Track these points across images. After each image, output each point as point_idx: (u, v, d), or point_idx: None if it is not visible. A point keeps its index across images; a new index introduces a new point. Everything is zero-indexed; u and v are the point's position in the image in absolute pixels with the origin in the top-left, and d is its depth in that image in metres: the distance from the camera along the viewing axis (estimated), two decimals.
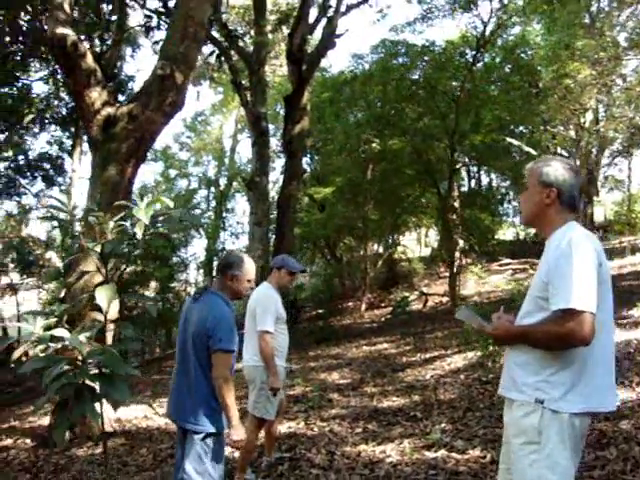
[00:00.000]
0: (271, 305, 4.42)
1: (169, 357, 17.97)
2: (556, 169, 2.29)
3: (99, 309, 2.88)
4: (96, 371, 2.53)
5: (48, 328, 2.65)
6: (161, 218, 2.91)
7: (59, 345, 2.55)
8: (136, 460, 5.65)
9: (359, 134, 15.26)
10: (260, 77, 16.72)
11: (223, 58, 16.45)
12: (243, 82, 17.41)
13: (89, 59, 6.88)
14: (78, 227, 4.45)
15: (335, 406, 6.85)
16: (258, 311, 4.38)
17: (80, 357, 2.36)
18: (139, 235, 2.59)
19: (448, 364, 8.18)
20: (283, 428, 5.85)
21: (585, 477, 3.53)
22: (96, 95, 6.87)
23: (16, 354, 2.61)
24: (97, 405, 2.91)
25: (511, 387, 2.27)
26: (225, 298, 3.23)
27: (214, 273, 26.61)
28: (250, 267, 3.35)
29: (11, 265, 19.47)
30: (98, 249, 2.62)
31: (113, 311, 6.85)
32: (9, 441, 6.93)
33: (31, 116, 15.54)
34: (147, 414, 7.38)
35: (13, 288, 20.61)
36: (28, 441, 6.73)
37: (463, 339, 8.81)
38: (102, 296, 2.53)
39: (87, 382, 2.35)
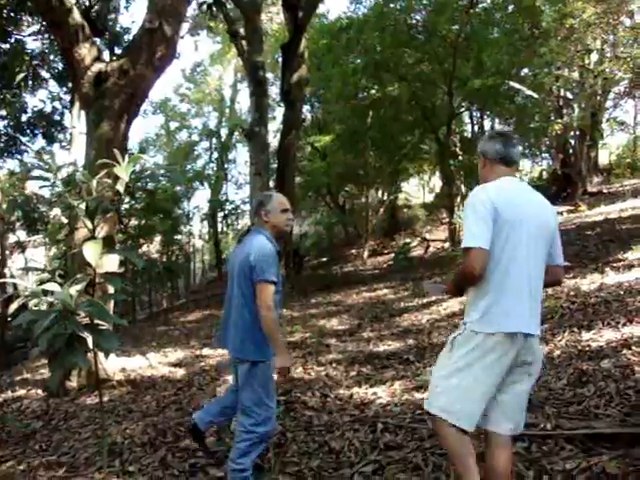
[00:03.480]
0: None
1: (175, 309, 18.34)
2: (482, 141, 2.84)
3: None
4: (87, 322, 2.66)
5: (41, 283, 2.78)
6: (147, 173, 2.99)
7: (52, 299, 2.68)
8: (140, 407, 5.88)
9: (356, 81, 15.11)
10: (256, 25, 16.43)
11: (216, 8, 16.14)
12: (239, 31, 17.15)
13: (76, 14, 6.80)
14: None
15: (332, 351, 7.06)
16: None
17: (68, 309, 2.48)
18: (122, 192, 2.69)
19: (444, 309, 8.35)
20: None
21: (562, 413, 3.69)
22: (85, 51, 6.84)
23: (12, 308, 2.74)
24: (91, 355, 3.05)
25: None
26: (268, 236, 3.38)
27: (218, 223, 26.82)
28: (280, 199, 3.50)
29: (17, 223, 19.61)
30: (83, 206, 2.72)
31: (111, 265, 7.05)
32: (22, 392, 7.20)
33: (22, 74, 15.36)
34: (151, 363, 7.62)
35: (21, 246, 20.83)
36: (40, 391, 6.99)
37: None
38: (89, 251, 2.64)
39: (77, 333, 2.49)
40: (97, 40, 10.08)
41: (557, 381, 4.30)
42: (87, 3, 13.92)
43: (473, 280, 2.54)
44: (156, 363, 7.67)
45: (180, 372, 7.20)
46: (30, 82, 17.17)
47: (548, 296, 7.12)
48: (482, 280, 2.53)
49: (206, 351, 8.30)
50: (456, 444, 2.56)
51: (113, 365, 7.05)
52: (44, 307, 2.82)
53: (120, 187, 2.67)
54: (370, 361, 6.24)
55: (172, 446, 4.48)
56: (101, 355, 6.85)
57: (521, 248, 2.52)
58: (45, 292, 2.68)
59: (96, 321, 2.73)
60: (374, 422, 4.18)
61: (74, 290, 2.67)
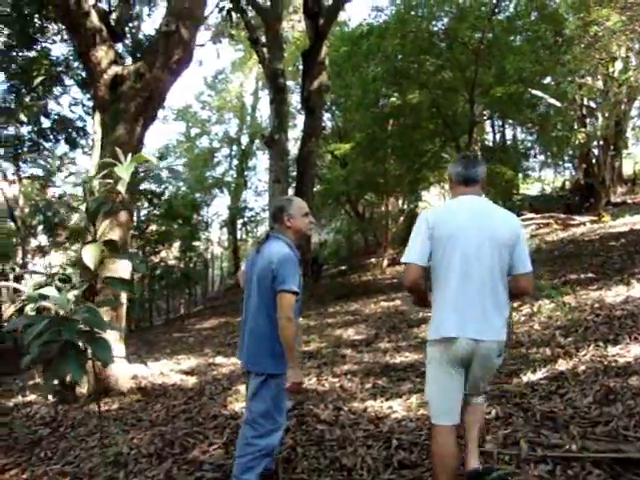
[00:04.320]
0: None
1: (192, 315, 18.26)
2: (450, 166, 3.15)
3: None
4: (85, 329, 2.53)
5: (40, 287, 2.65)
6: (152, 174, 2.86)
7: (48, 304, 2.55)
8: (150, 415, 5.75)
9: (376, 88, 14.96)
10: (276, 33, 16.42)
11: (238, 14, 16.13)
12: (260, 38, 17.14)
13: (94, 17, 6.76)
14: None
15: (348, 362, 6.88)
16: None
17: (64, 315, 2.35)
18: (123, 192, 2.55)
19: None
20: None
21: (589, 434, 3.48)
22: (102, 54, 6.78)
23: (7, 312, 2.62)
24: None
25: None
26: (288, 242, 3.33)
27: (237, 230, 26.76)
28: (300, 203, 3.45)
29: (39, 228, 19.71)
30: (83, 207, 2.59)
31: (123, 271, 6.95)
32: (32, 397, 7.13)
33: (41, 78, 15.40)
34: (163, 371, 7.49)
35: (42, 250, 20.93)
36: (50, 397, 6.89)
37: None
38: (88, 255, 2.51)
39: (72, 341, 2.35)
40: (118, 46, 10.00)
41: (582, 398, 4.07)
42: (106, 8, 13.94)
43: (408, 290, 3.02)
44: (168, 371, 7.54)
45: (192, 380, 7.07)
46: (53, 88, 17.26)
47: (572, 308, 6.89)
48: (434, 293, 2.92)
49: (219, 359, 8.16)
50: (438, 446, 2.86)
51: (124, 372, 6.93)
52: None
53: (121, 188, 2.54)
54: (386, 373, 6.05)
55: (179, 458, 4.34)
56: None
57: (458, 260, 2.78)
58: (44, 297, 2.56)
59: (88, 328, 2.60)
60: (388, 438, 3.99)
61: (72, 295, 2.54)
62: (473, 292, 2.75)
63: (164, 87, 7.10)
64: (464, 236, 2.78)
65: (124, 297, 7.06)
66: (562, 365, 4.95)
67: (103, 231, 6.76)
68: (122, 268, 6.87)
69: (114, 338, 6.84)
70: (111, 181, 2.76)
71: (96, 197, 2.62)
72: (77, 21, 6.70)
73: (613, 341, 5.35)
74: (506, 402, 4.33)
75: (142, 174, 2.48)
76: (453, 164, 3.11)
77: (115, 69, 6.88)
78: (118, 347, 6.90)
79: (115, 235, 6.85)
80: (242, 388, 5.61)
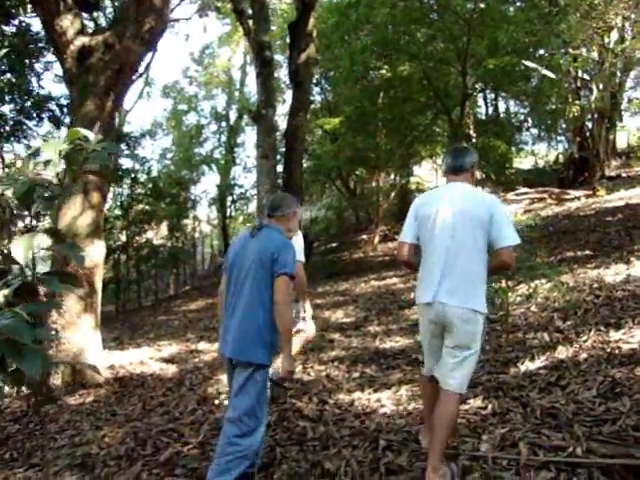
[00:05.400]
0: None
1: (181, 296, 17.90)
2: (444, 157, 3.36)
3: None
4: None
5: None
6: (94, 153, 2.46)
7: None
8: (125, 409, 5.44)
9: (365, 60, 14.40)
10: (262, 4, 15.81)
11: None
12: (246, 10, 16.52)
13: None
14: None
15: (336, 347, 6.57)
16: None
17: None
18: (52, 175, 2.17)
19: None
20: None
21: (594, 434, 3.15)
22: (67, 24, 6.30)
23: None
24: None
25: None
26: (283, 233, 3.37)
27: (226, 208, 26.31)
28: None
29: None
30: (10, 193, 2.20)
31: (97, 257, 6.56)
32: (7, 389, 6.76)
33: (4, 50, 14.71)
34: (143, 359, 7.15)
35: (30, 230, 20.42)
36: (24, 389, 6.54)
37: None
38: (18, 248, 2.13)
39: None
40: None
41: (585, 391, 3.75)
42: None
43: (402, 265, 3.64)
44: (148, 359, 7.21)
45: (172, 369, 6.74)
46: (34, 64, 16.65)
47: (570, 289, 6.57)
48: (421, 265, 3.27)
49: (202, 345, 7.83)
50: (423, 387, 3.44)
51: (101, 362, 6.59)
52: None
53: (52, 170, 2.16)
54: (375, 360, 5.73)
55: (150, 459, 4.02)
56: (89, 351, 6.45)
57: (436, 236, 3.11)
58: None
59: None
60: (375, 438, 3.65)
61: (1, 295, 2.18)
62: (449, 264, 3.05)
63: (136, 59, 6.67)
64: (443, 216, 3.11)
65: (99, 284, 6.69)
66: (562, 352, 4.63)
67: (72, 215, 6.39)
68: (95, 253, 6.51)
69: (89, 326, 6.50)
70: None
71: (25, 179, 2.23)
72: None
73: (615, 325, 5.03)
74: (503, 395, 4.00)
75: (78, 153, 2.11)
76: (446, 155, 3.50)
77: (82, 40, 6.42)
78: (93, 336, 6.56)
79: (87, 219, 6.47)
80: (223, 377, 5.28)
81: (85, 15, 9.06)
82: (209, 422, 4.61)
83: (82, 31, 6.48)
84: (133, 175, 15.33)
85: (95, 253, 6.52)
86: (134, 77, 7.38)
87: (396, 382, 4.82)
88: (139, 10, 6.38)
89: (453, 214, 3.08)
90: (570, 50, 19.97)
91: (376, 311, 8.22)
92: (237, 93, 31.36)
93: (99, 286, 6.70)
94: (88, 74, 6.39)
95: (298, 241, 4.58)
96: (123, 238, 16.10)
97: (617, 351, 4.37)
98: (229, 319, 3.23)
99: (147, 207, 16.41)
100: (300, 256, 4.51)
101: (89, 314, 6.48)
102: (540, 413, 3.55)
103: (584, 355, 4.45)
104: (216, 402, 5.18)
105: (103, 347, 8.81)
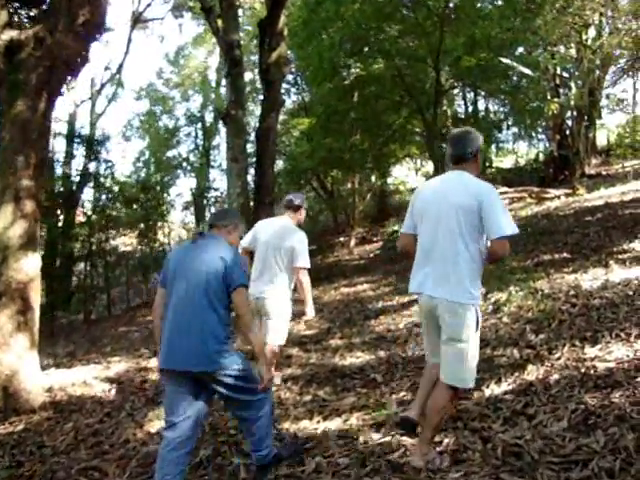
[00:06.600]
0: None
1: (150, 304, 17.27)
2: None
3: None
4: None
5: None
6: None
7: None
8: (55, 440, 4.88)
9: (333, 57, 13.85)
10: (231, 2, 15.29)
11: None
12: (214, 8, 15.99)
13: None
14: None
15: (293, 364, 6.06)
16: (299, 247, 4.85)
17: None
18: None
19: None
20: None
21: (561, 478, 2.67)
22: None
23: None
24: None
25: None
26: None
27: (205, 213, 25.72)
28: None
29: None
30: None
31: (32, 270, 5.99)
32: None
33: None
34: (86, 379, 6.56)
35: None
36: None
37: None
38: None
39: None
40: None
41: (555, 422, 3.27)
42: None
43: (402, 254, 3.82)
44: (92, 378, 6.63)
45: (115, 391, 6.17)
46: None
47: (545, 296, 6.11)
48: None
49: (153, 362, 7.26)
50: (424, 370, 3.43)
51: (37, 385, 6.01)
52: None
53: None
54: (332, 379, 5.24)
55: None
56: (24, 373, 5.89)
57: (428, 226, 3.11)
58: None
59: None
60: None
61: None
62: (437, 254, 3.04)
63: (71, 54, 6.08)
64: (431, 206, 3.12)
65: (36, 299, 6.13)
66: (532, 373, 4.15)
67: (2, 226, 5.83)
68: (29, 266, 5.96)
69: (24, 346, 5.93)
70: None
71: None
72: None
73: (591, 339, 4.57)
74: (463, 427, 3.50)
75: None
76: (447, 141, 3.45)
77: (10, 33, 5.83)
78: (29, 356, 5.99)
79: (19, 229, 5.91)
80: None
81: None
82: (138, 457, 4.09)
83: (10, 24, 5.92)
84: (95, 180, 14.75)
85: (30, 266, 5.95)
86: (73, 75, 6.80)
87: (348, 408, 4.31)
88: (71, 2, 5.83)
89: (439, 203, 3.07)
90: (548, 47, 19.67)
91: (340, 322, 7.72)
92: (213, 95, 30.77)
93: (36, 302, 6.12)
94: (18, 71, 5.83)
95: (303, 241, 4.91)
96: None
97: (592, 371, 3.90)
98: (176, 333, 3.09)
99: (113, 212, 15.79)
100: (305, 262, 4.93)
101: (23, 333, 5.90)
102: (502, 451, 3.06)
103: (556, 376, 3.97)
104: (152, 431, 4.65)
105: (54, 363, 8.32)
